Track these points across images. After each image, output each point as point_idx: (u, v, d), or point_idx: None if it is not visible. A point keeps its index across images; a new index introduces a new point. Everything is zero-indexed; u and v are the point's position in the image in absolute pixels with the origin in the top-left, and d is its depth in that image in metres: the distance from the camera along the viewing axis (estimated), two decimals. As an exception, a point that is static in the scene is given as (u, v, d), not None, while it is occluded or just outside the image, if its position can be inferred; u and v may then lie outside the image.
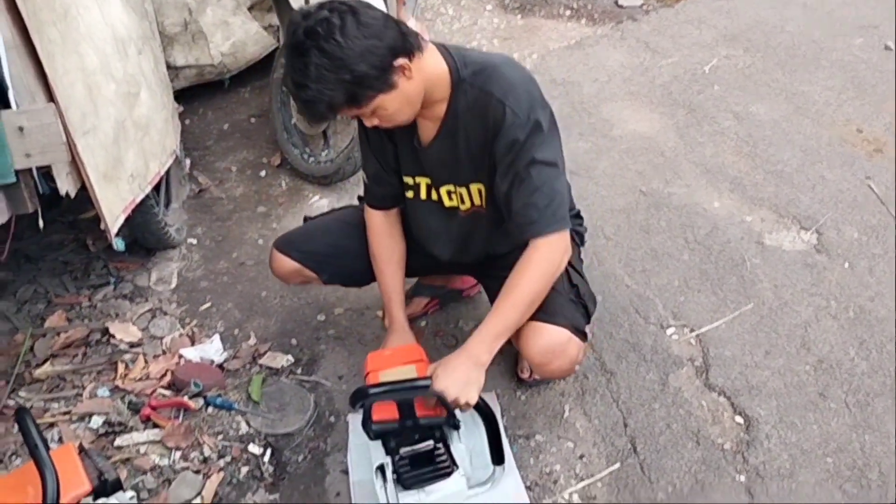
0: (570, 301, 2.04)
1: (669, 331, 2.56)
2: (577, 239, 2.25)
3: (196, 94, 4.05)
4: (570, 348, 2.00)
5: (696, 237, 2.95)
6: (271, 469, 2.22)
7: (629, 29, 4.63)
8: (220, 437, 2.30)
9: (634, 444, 2.22)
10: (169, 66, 3.52)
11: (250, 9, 3.92)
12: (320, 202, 3.35)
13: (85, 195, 2.14)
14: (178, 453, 2.24)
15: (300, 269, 2.28)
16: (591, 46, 4.48)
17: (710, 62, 4.19)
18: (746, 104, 3.79)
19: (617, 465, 2.17)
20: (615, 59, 4.31)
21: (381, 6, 2.29)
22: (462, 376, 1.82)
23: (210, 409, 2.37)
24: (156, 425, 2.32)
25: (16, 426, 2.08)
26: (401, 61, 1.70)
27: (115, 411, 2.34)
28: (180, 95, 3.69)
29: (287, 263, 2.29)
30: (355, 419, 2.18)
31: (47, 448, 1.69)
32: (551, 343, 1.98)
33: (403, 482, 1.86)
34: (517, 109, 1.78)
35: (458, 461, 1.90)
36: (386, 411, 1.87)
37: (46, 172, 1.99)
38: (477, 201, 2.03)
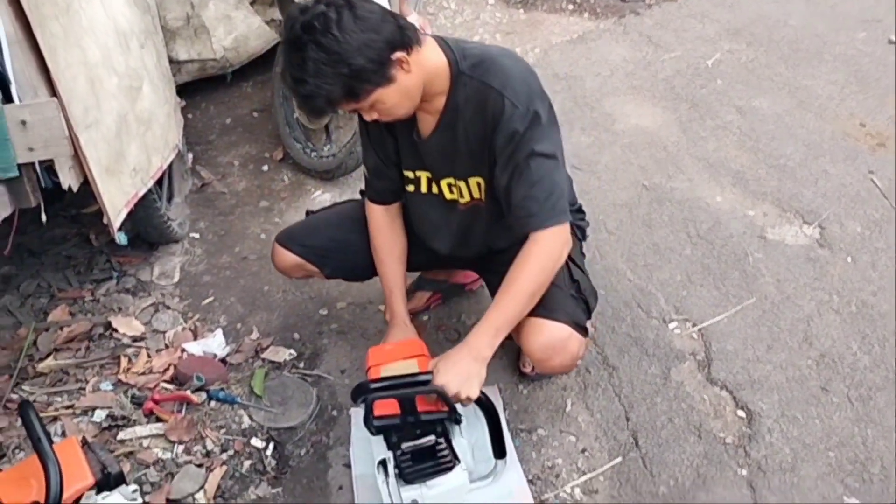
0: (570, 297, 2.04)
1: (671, 325, 2.56)
2: (579, 233, 2.25)
3: (198, 88, 4.04)
4: (571, 344, 2.00)
5: (699, 231, 2.95)
6: (274, 463, 2.23)
7: (632, 23, 4.62)
8: (223, 430, 2.30)
9: (636, 438, 2.22)
10: (171, 61, 3.51)
11: (252, 3, 3.91)
12: (322, 197, 3.35)
13: (87, 189, 2.14)
14: (181, 447, 2.24)
15: (302, 263, 2.29)
16: (594, 41, 4.47)
17: (713, 56, 4.18)
18: (749, 98, 3.78)
19: (619, 459, 2.17)
20: (618, 54, 4.30)
21: (384, 1, 2.29)
22: (463, 371, 1.82)
23: (213, 403, 2.38)
24: (159, 419, 2.32)
25: (19, 420, 2.09)
26: (398, 55, 1.70)
27: (118, 405, 2.34)
28: (182, 90, 3.69)
29: (289, 257, 2.29)
30: (357, 413, 2.19)
31: (50, 442, 1.70)
32: (552, 339, 1.98)
33: (405, 477, 1.86)
34: (516, 101, 1.78)
35: (459, 455, 1.90)
36: (387, 407, 1.87)
37: (49, 166, 1.99)
38: (476, 195, 2.03)
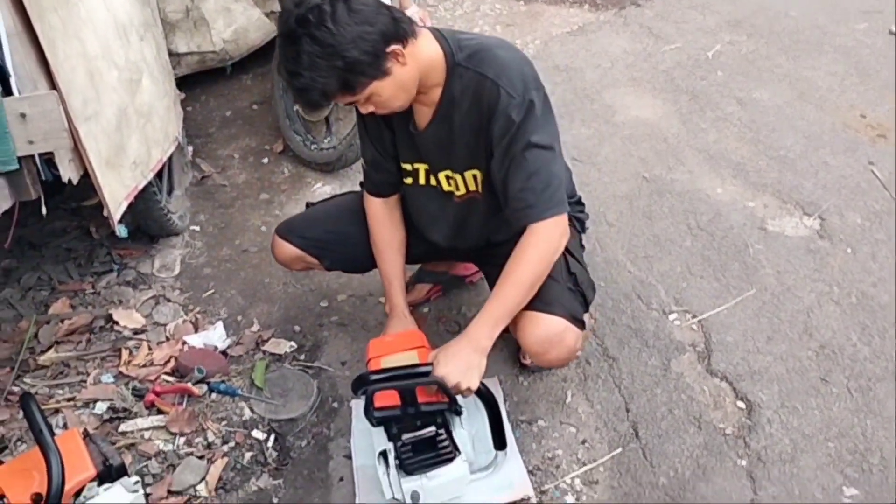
0: (567, 290, 2.04)
1: (672, 316, 2.57)
2: (578, 225, 2.25)
3: (198, 80, 4.04)
4: (568, 337, 2.01)
5: (699, 223, 2.95)
6: (275, 454, 2.23)
7: (632, 14, 4.61)
8: (224, 422, 2.31)
9: (636, 429, 2.22)
10: (171, 53, 3.51)
11: (252, -5, 3.91)
12: (323, 189, 3.35)
13: (87, 182, 2.14)
14: (182, 439, 2.25)
15: (302, 255, 2.29)
16: (594, 32, 4.46)
17: (714, 48, 4.18)
18: (749, 90, 3.78)
19: (619, 450, 2.17)
20: (618, 45, 4.29)
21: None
22: (463, 362, 1.83)
23: (214, 395, 2.38)
24: (160, 411, 2.33)
25: (21, 412, 2.09)
26: (393, 47, 1.70)
27: (120, 397, 2.35)
28: (182, 82, 3.69)
29: (289, 249, 2.30)
30: (358, 405, 2.20)
31: (52, 434, 1.70)
32: (548, 332, 1.98)
33: (406, 468, 1.87)
34: (512, 90, 1.78)
35: (460, 446, 1.91)
36: (388, 398, 1.88)
37: (49, 159, 1.99)
38: (472, 187, 2.03)
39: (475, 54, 1.83)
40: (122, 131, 2.36)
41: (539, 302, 1.94)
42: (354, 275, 2.65)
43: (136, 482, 1.82)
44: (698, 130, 3.51)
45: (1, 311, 2.73)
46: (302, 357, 2.54)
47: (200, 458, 2.20)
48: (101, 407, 2.34)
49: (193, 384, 2.39)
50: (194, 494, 2.11)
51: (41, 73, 1.92)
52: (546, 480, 2.11)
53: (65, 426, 2.27)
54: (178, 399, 2.37)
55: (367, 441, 2.11)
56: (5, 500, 1.70)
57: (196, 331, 2.64)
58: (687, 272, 2.74)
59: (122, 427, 2.28)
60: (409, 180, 2.13)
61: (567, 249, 1.99)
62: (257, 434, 2.28)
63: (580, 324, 2.05)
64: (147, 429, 2.28)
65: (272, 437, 2.28)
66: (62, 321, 2.64)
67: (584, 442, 2.21)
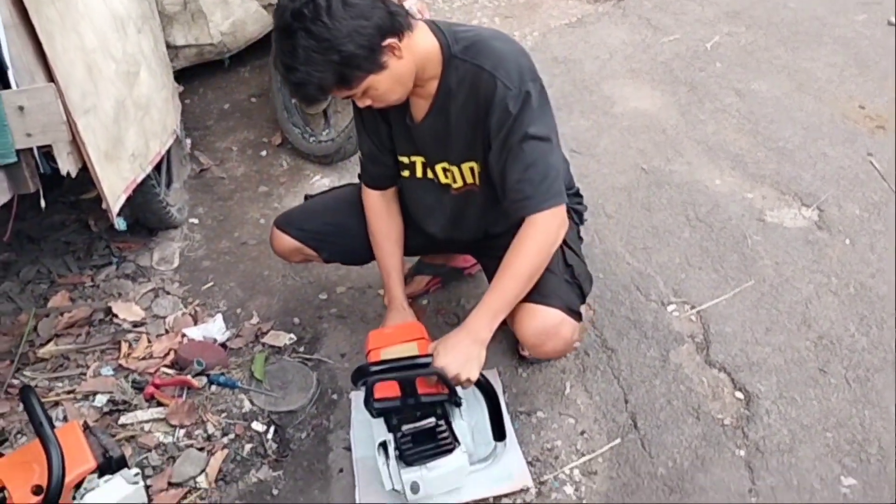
0: (564, 282, 2.05)
1: (670, 308, 2.57)
2: (576, 217, 2.26)
3: (196, 73, 4.03)
4: (564, 329, 2.01)
5: (698, 214, 2.95)
6: (275, 446, 2.24)
7: (631, 6, 4.60)
8: (224, 414, 2.31)
9: (635, 420, 2.23)
10: (168, 46, 3.50)
11: (250, -13, 3.90)
12: (321, 181, 3.35)
13: (86, 175, 2.14)
14: (182, 431, 2.26)
15: (300, 247, 2.30)
16: (593, 24, 4.46)
17: (712, 39, 4.17)
18: (748, 81, 3.78)
19: (617, 441, 2.18)
20: (616, 37, 4.29)
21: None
22: (462, 353, 1.83)
23: (213, 388, 2.39)
24: (160, 403, 2.33)
25: (21, 405, 2.10)
26: (389, 41, 1.70)
27: (119, 390, 2.36)
28: (180, 75, 3.67)
29: (287, 241, 2.30)
30: (358, 396, 2.21)
31: (52, 426, 1.71)
32: (545, 324, 1.99)
33: (406, 459, 1.88)
34: (508, 82, 1.78)
35: (459, 438, 1.92)
36: (388, 389, 1.88)
37: (47, 152, 1.99)
38: (469, 179, 2.03)
39: (471, 46, 1.83)
40: (121, 124, 2.36)
41: (536, 294, 1.94)
42: (353, 267, 2.65)
43: (137, 474, 1.83)
44: (697, 122, 3.51)
45: (0, 305, 2.73)
46: (301, 349, 2.54)
47: (200, 450, 2.20)
48: (100, 399, 2.34)
49: (193, 376, 2.39)
50: (194, 486, 2.11)
51: (39, 66, 1.92)
52: (545, 471, 2.11)
53: (65, 419, 2.27)
54: (178, 391, 2.37)
55: (366, 432, 2.12)
56: (6, 492, 1.71)
57: (195, 323, 2.64)
58: (685, 263, 2.74)
59: (122, 419, 2.28)
60: (406, 173, 2.13)
61: (564, 241, 1.99)
62: (257, 426, 2.28)
63: (577, 316, 2.06)
64: (147, 421, 2.28)
65: (272, 429, 2.28)
66: (61, 314, 2.65)
67: (582, 433, 2.21)
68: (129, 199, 2.41)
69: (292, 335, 2.58)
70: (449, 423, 1.92)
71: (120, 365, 2.47)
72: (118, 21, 2.49)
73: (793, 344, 2.41)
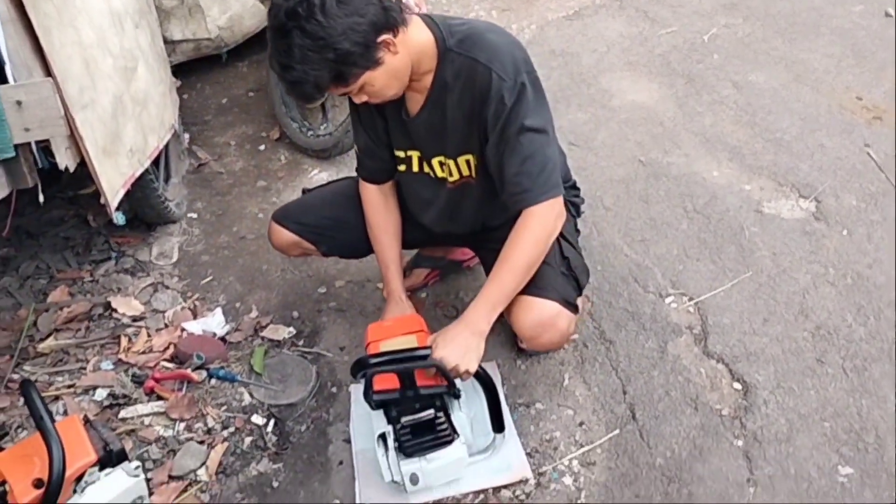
0: (560, 274, 2.06)
1: (668, 299, 2.58)
2: (573, 210, 2.26)
3: (193, 68, 4.03)
4: (560, 321, 2.02)
5: (695, 206, 2.96)
6: (274, 439, 2.25)
7: (628, -2, 4.60)
8: (224, 408, 2.32)
9: (633, 411, 2.24)
10: (166, 41, 3.50)
11: (247, -18, 3.90)
12: (319, 175, 3.35)
13: (84, 171, 2.15)
14: (182, 424, 2.26)
15: (298, 240, 2.30)
16: (590, 16, 4.45)
17: (710, 31, 4.17)
18: (746, 73, 3.78)
19: (616, 432, 2.19)
20: (614, 29, 4.29)
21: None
22: (461, 345, 1.84)
23: (213, 381, 2.39)
24: (159, 397, 2.34)
25: (21, 399, 2.10)
26: (384, 37, 1.70)
27: (119, 384, 2.36)
28: (178, 70, 3.68)
29: (285, 235, 2.30)
30: (357, 389, 2.21)
31: (52, 420, 1.71)
32: (541, 316, 2.00)
33: (405, 450, 1.89)
34: (503, 74, 1.78)
35: (458, 429, 1.93)
36: (387, 381, 1.89)
37: (45, 147, 1.99)
38: (466, 172, 2.03)
39: (466, 39, 1.83)
40: (118, 119, 2.37)
41: (532, 286, 1.95)
42: (352, 260, 2.66)
43: (137, 467, 1.84)
44: (694, 114, 3.52)
45: (0, 300, 2.73)
46: (301, 343, 2.55)
47: (200, 443, 2.21)
48: (100, 394, 2.35)
49: (193, 370, 2.40)
50: (195, 479, 2.12)
51: (36, 61, 1.93)
52: (544, 462, 2.12)
53: (65, 413, 2.28)
54: (178, 385, 2.38)
55: (366, 425, 2.12)
56: (7, 486, 1.72)
57: (195, 317, 2.65)
58: (683, 255, 2.75)
59: (122, 413, 2.29)
60: (402, 168, 2.13)
61: (561, 234, 2.00)
62: (257, 419, 2.29)
63: (573, 308, 2.06)
64: (147, 415, 2.29)
65: (272, 422, 2.29)
66: (61, 309, 2.65)
67: (581, 424, 2.22)
68: (127, 194, 2.42)
69: (291, 329, 2.59)
70: (448, 415, 1.93)
71: (120, 359, 2.48)
72: (115, 16, 2.49)
73: (790, 334, 2.42)
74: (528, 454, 2.12)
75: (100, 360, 2.47)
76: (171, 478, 2.11)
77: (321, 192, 2.42)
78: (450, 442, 1.90)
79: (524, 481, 2.06)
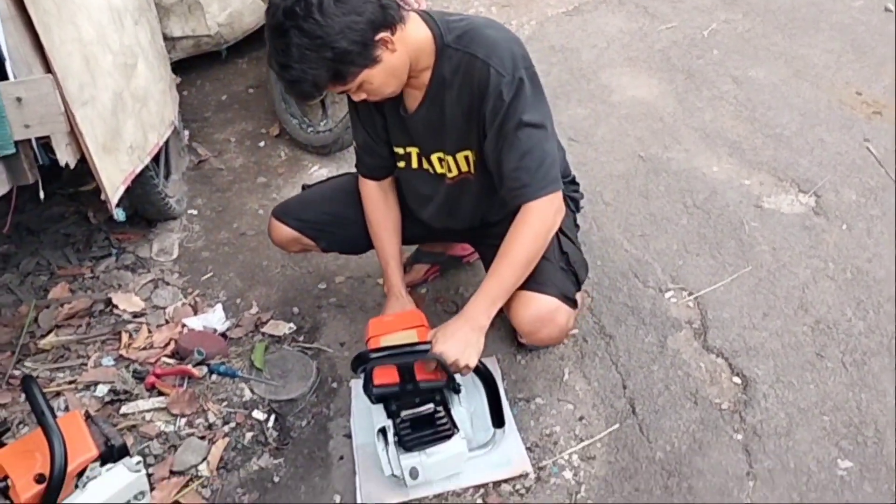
0: (559, 269, 2.06)
1: (668, 294, 2.58)
2: (572, 205, 2.26)
3: (193, 65, 4.04)
4: (559, 316, 2.03)
5: (695, 201, 2.96)
6: (275, 434, 2.25)
7: (628, -7, 4.60)
8: (225, 403, 2.33)
9: (633, 406, 2.24)
10: (166, 38, 3.50)
11: (246, -22, 3.90)
12: (319, 172, 3.36)
13: (85, 167, 2.15)
14: (183, 420, 2.27)
15: (298, 237, 2.31)
16: (590, 12, 4.45)
17: (709, 27, 4.17)
18: (745, 68, 3.78)
19: (616, 426, 2.19)
20: (614, 25, 4.28)
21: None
22: (461, 340, 1.85)
23: (214, 377, 2.40)
24: (160, 393, 2.35)
25: (22, 395, 2.11)
26: (382, 35, 1.70)
27: (120, 380, 2.37)
28: (178, 67, 3.68)
29: (285, 231, 2.31)
30: (357, 384, 2.22)
31: (54, 416, 1.72)
32: (540, 312, 2.00)
33: (405, 444, 1.90)
34: (501, 69, 1.79)
35: (458, 424, 1.93)
36: (387, 375, 1.89)
37: (46, 144, 2.00)
38: (464, 168, 2.03)
39: (464, 35, 1.84)
40: (118, 116, 2.37)
41: (531, 281, 1.95)
42: (352, 256, 2.66)
43: (138, 462, 1.84)
44: (694, 109, 3.52)
45: (1, 296, 2.74)
46: (301, 338, 2.55)
47: (201, 438, 2.22)
48: (101, 389, 2.35)
49: (193, 366, 2.40)
50: (196, 474, 2.13)
51: (36, 58, 1.93)
52: (544, 457, 2.13)
53: (66, 409, 2.28)
54: (179, 381, 2.38)
55: (366, 420, 2.13)
56: (9, 481, 1.72)
57: (195, 313, 2.65)
58: (683, 250, 2.75)
59: (124, 409, 2.30)
60: (401, 164, 2.14)
61: (560, 229, 2.00)
62: (257, 414, 2.30)
63: (572, 303, 2.07)
64: (148, 410, 2.29)
65: (272, 418, 2.30)
66: (62, 305, 2.66)
67: (581, 418, 2.23)
68: (127, 191, 2.42)
69: (292, 324, 2.59)
70: (448, 410, 1.94)
71: (120, 355, 2.48)
72: (115, 13, 2.49)
73: (790, 329, 2.42)
74: (528, 449, 2.13)
75: (101, 357, 2.47)
76: (172, 473, 2.12)
77: (321, 189, 2.42)
78: (450, 436, 1.91)
79: (524, 476, 2.06)
